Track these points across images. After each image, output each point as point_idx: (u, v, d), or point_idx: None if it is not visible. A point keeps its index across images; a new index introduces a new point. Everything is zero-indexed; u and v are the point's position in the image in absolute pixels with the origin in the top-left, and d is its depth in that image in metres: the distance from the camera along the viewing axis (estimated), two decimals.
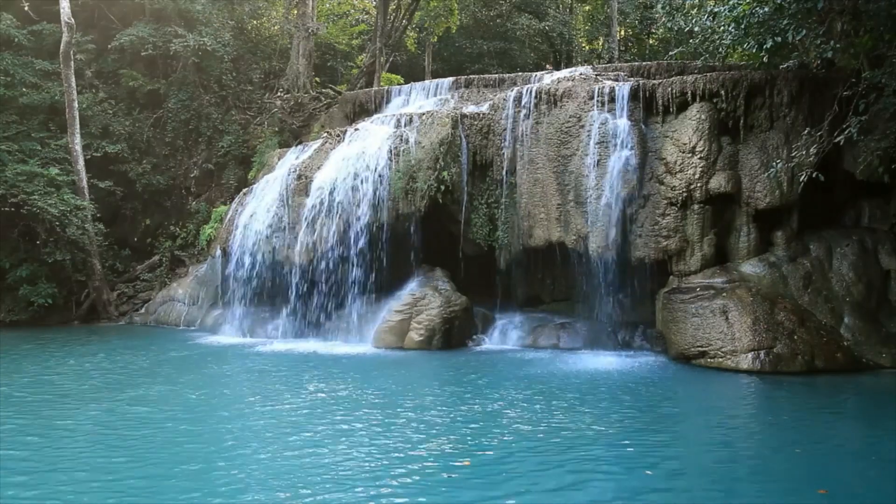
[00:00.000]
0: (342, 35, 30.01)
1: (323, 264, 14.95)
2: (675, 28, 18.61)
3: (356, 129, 16.54)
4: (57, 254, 16.93)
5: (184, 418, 8.35)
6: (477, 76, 19.34)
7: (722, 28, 13.40)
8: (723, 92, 13.52)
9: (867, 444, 7.80)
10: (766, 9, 11.98)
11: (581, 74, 16.44)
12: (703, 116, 13.45)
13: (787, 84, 13.32)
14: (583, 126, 14.37)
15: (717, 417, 9.05)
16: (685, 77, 14.17)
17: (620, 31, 29.52)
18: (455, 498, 5.82)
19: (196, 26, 21.01)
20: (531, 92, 15.24)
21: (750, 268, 13.23)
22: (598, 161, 13.90)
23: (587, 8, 31.38)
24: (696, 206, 13.35)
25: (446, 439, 7.45)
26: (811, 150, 11.65)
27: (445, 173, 14.97)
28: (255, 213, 15.97)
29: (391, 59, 27.65)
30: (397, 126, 15.84)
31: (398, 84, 23.86)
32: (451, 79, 19.09)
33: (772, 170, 12.50)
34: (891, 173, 12.08)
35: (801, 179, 12.16)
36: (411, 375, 11.42)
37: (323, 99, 22.47)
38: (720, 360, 11.85)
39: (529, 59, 31.05)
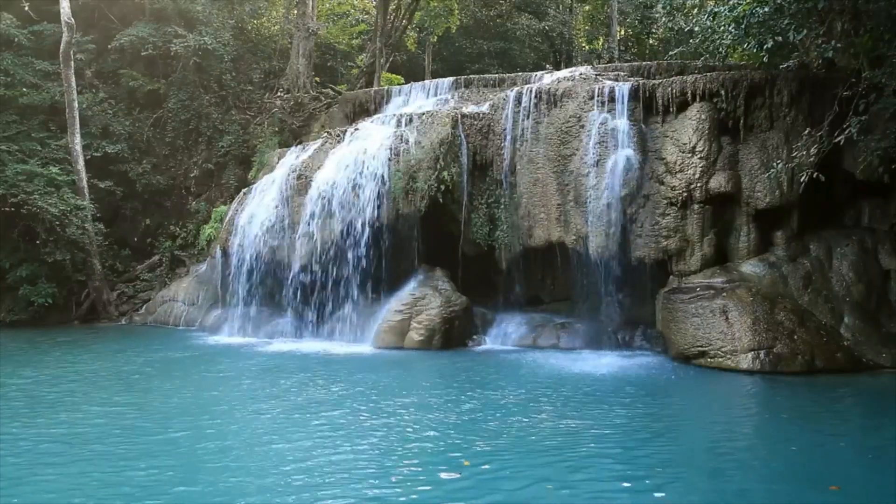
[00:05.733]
0: (342, 35, 30.00)
1: (323, 264, 14.94)
2: (675, 28, 18.62)
3: (356, 129, 16.54)
4: (57, 254, 16.93)
5: (182, 419, 8.34)
6: (477, 76, 19.34)
7: (722, 28, 13.39)
8: (723, 92, 13.52)
9: (867, 444, 7.79)
10: (767, 9, 11.97)
11: (581, 74, 16.43)
12: (703, 116, 13.45)
13: (787, 84, 13.32)
14: (583, 126, 14.37)
15: (717, 417, 9.06)
16: (685, 77, 14.17)
17: (620, 31, 29.51)
18: (455, 499, 5.82)
19: (196, 26, 21.00)
20: (531, 92, 15.24)
21: (750, 268, 13.22)
22: (598, 161, 13.90)
23: (587, 8, 31.33)
24: (696, 206, 13.35)
25: (446, 440, 7.44)
26: (811, 150, 11.64)
27: (445, 173, 14.96)
28: (255, 213, 15.96)
29: (391, 59, 27.64)
30: (397, 126, 15.84)
31: (398, 84, 23.87)
32: (451, 79, 19.08)
33: (772, 170, 12.49)
34: (891, 173, 12.08)
35: (801, 179, 12.15)
36: (411, 375, 11.42)
37: (323, 99, 22.46)
38: (720, 360, 11.84)
39: (529, 59, 31.04)
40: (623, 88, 14.25)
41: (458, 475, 6.32)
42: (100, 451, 7.04)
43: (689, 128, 13.50)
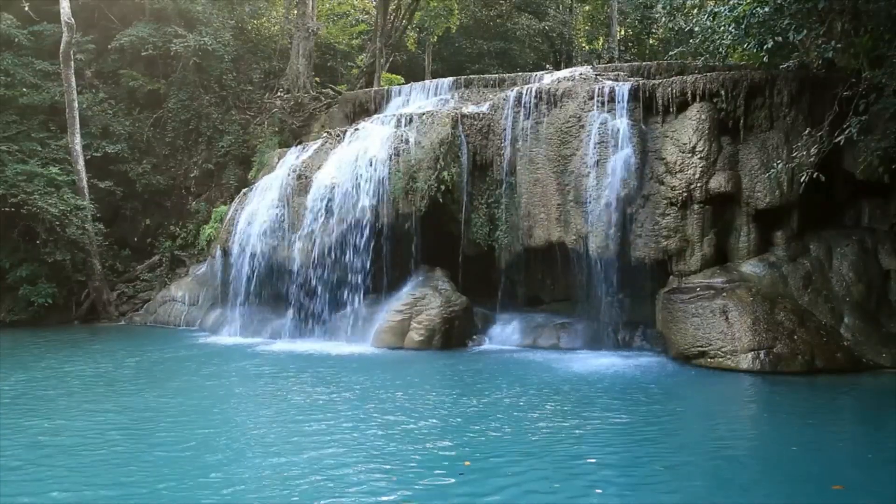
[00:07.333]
0: (342, 35, 30.01)
1: (323, 264, 14.95)
2: (676, 28, 18.59)
3: (356, 129, 16.54)
4: (57, 254, 16.93)
5: (183, 419, 8.33)
6: (477, 76, 19.35)
7: (722, 28, 13.38)
8: (723, 92, 13.52)
9: (868, 444, 7.80)
10: (767, 9, 11.96)
11: (581, 74, 16.44)
12: (703, 116, 13.45)
13: (787, 84, 13.32)
14: (583, 126, 14.36)
15: (718, 417, 9.06)
16: (685, 77, 14.17)
17: (620, 31, 29.50)
18: (455, 499, 5.82)
19: (196, 26, 21.02)
20: (531, 92, 15.24)
21: (750, 268, 13.22)
22: (598, 161, 13.90)
23: (587, 8, 31.35)
24: (696, 206, 13.35)
25: (446, 440, 7.44)
26: (811, 150, 11.63)
27: (445, 173, 14.96)
28: (255, 213, 15.96)
29: (391, 59, 27.65)
30: (397, 126, 15.84)
31: (398, 84, 23.85)
32: (451, 79, 19.09)
33: (772, 170, 12.49)
34: (891, 173, 12.07)
35: (801, 179, 12.14)
36: (411, 375, 11.42)
37: (323, 99, 22.47)
38: (720, 360, 11.84)
39: (529, 59, 31.04)
40: (623, 88, 14.25)
41: (459, 476, 6.32)
42: (88, 456, 6.87)
43: (689, 128, 13.50)
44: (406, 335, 14.03)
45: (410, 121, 15.87)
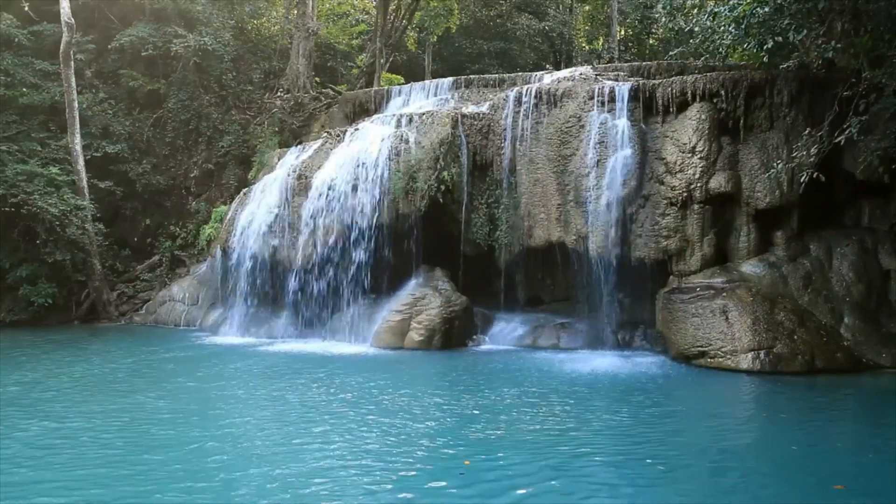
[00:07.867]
0: (342, 35, 30.02)
1: (323, 264, 14.95)
2: (676, 28, 18.62)
3: (356, 129, 16.54)
4: (57, 254, 16.93)
5: (181, 420, 8.32)
6: (477, 76, 19.35)
7: (722, 28, 13.39)
8: (723, 92, 13.52)
9: (868, 444, 7.79)
10: (767, 9, 11.97)
11: (581, 74, 16.44)
12: (703, 116, 13.45)
13: (787, 84, 13.33)
14: (583, 126, 14.37)
15: (718, 417, 9.05)
16: (685, 77, 14.17)
17: (620, 31, 29.50)
18: (455, 498, 5.81)
19: (196, 26, 21.03)
20: (531, 92, 15.24)
21: (750, 268, 13.22)
22: (598, 161, 13.90)
23: (587, 8, 31.37)
24: (696, 206, 13.35)
25: (445, 440, 7.44)
26: (811, 150, 11.64)
27: (445, 173, 14.96)
28: (255, 213, 15.96)
29: (391, 59, 27.65)
30: (397, 126, 15.84)
31: (398, 84, 23.86)
32: (451, 79, 19.09)
33: (772, 170, 12.49)
34: (891, 173, 12.08)
35: (801, 179, 12.15)
36: (411, 375, 11.42)
37: (323, 99, 22.47)
38: (720, 360, 11.84)
39: (529, 59, 31.05)
40: (623, 88, 14.25)
41: (460, 476, 6.32)
42: (85, 458, 6.80)
43: (689, 128, 13.50)
44: (406, 335, 14.03)
45: (410, 121, 15.88)
